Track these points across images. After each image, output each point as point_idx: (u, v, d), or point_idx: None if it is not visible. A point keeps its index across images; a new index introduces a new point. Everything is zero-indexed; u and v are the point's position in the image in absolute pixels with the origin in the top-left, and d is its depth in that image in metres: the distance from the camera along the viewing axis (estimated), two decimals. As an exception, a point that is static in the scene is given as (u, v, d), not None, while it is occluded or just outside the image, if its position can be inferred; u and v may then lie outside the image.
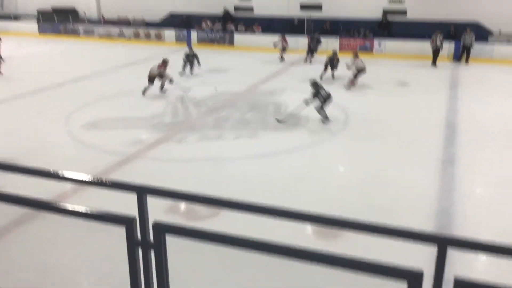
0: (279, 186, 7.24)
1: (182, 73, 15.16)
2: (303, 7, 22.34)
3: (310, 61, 18.00)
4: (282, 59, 18.44)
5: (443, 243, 1.79)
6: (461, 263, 4.51)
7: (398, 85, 14.46)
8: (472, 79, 15.29)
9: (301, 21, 22.08)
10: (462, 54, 17.88)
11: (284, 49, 18.55)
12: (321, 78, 14.11)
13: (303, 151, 8.85)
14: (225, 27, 22.97)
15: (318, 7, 22.08)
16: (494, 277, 4.63)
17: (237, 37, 22.22)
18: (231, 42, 22.26)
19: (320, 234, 5.65)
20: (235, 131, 9.85)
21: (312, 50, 18.09)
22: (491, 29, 18.83)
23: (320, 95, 10.14)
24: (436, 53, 17.37)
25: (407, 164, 8.20)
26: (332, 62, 14.56)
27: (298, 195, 6.90)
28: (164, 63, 12.80)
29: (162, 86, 12.97)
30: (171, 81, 12.72)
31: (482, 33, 18.60)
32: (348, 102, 12.09)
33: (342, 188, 7.35)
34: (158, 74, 12.61)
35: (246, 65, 17.76)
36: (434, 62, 17.38)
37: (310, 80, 10.59)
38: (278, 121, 10.31)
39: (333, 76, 14.72)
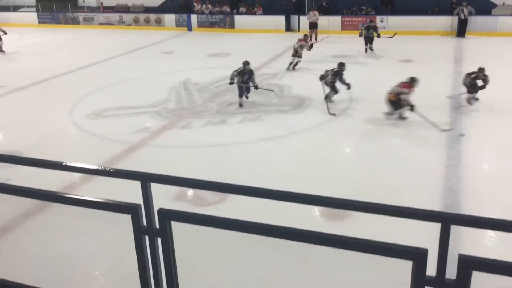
0: (286, 168, 7.25)
1: (241, 102, 10.47)
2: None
3: (372, 49, 15.80)
4: (289, 67, 13.73)
5: (446, 221, 1.80)
6: (470, 241, 4.53)
7: (402, 61, 14.32)
8: (477, 53, 15.12)
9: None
10: (459, 28, 17.76)
11: (300, 54, 13.62)
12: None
13: (309, 132, 8.85)
14: (223, 9, 22.71)
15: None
16: (501, 254, 4.67)
17: (238, 19, 22.03)
18: (231, 25, 22.08)
19: (327, 215, 5.68)
20: (239, 116, 9.84)
21: (370, 39, 15.73)
22: (495, 1, 18.54)
23: None
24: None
25: (413, 141, 8.18)
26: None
27: (306, 176, 6.92)
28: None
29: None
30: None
31: (486, 6, 18.33)
32: (352, 81, 12.02)
33: (349, 168, 7.36)
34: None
35: (247, 48, 17.64)
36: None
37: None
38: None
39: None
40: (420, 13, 18.61)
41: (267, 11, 21.78)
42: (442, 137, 8.25)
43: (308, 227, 1.92)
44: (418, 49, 16.06)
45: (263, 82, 12.53)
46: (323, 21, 19.55)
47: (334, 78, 10.05)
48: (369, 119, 9.31)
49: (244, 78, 10.24)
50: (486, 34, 17.50)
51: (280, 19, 20.77)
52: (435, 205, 5.86)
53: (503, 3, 18.40)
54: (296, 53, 13.47)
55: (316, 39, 18.00)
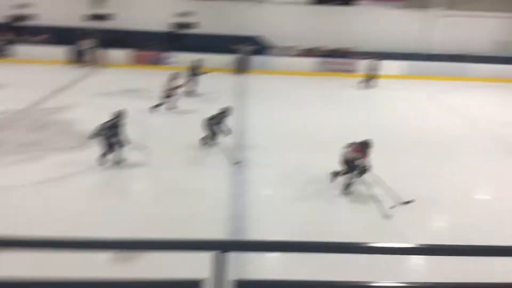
0: (68, 212, 6.70)
1: (103, 161, 8.52)
2: (92, 17, 21.30)
3: (192, 94, 15.10)
4: (158, 106, 12.66)
5: (220, 248, 1.83)
6: (258, 266, 4.82)
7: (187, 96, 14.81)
8: (257, 89, 16.73)
9: (89, 30, 20.95)
10: (241, 66, 19.68)
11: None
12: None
13: (93, 173, 8.31)
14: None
15: (106, 18, 21.36)
16: (285, 273, 5.05)
17: (18, 48, 19.86)
18: (10, 54, 19.80)
19: (113, 259, 5.38)
20: (14, 156, 8.73)
21: (194, 80, 15.32)
22: (273, 43, 20.99)
23: None
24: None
25: (201, 173, 8.55)
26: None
27: (92, 218, 6.53)
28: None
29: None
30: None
31: (265, 47, 20.67)
32: (143, 121, 11.97)
33: (144, 205, 7.24)
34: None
35: (28, 80, 15.99)
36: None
37: None
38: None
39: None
40: (208, 50, 19.81)
41: (55, 41, 20.17)
42: (228, 167, 8.75)
43: (94, 274, 1.75)
44: (206, 84, 16.83)
45: (46, 116, 11.51)
46: (117, 55, 19.31)
47: (218, 120, 9.68)
48: (159, 154, 9.28)
49: (113, 132, 8.35)
50: (265, 72, 19.60)
51: (65, 50, 19.56)
52: (219, 233, 6.14)
53: (279, 45, 20.88)
54: (167, 95, 12.63)
55: (94, 63, 18.84)
